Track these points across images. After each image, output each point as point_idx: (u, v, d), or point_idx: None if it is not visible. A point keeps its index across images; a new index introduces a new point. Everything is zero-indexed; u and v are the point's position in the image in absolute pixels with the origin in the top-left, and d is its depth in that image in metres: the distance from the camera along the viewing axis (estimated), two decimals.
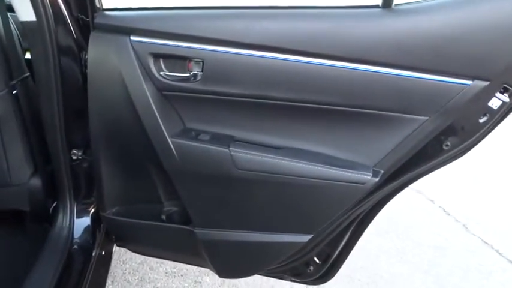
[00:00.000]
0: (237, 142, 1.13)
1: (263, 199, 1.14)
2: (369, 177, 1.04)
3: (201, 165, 1.12)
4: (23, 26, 1.27)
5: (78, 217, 1.45)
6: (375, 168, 1.07)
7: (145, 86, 1.10)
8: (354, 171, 1.05)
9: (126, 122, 1.16)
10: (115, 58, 1.10)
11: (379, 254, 2.36)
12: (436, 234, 2.62)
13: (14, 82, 1.33)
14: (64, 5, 1.22)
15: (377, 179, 1.05)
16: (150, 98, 1.10)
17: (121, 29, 1.10)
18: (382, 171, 1.06)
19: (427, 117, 0.99)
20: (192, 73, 1.09)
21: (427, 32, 0.94)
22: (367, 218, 1.19)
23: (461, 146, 1.03)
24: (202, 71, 1.07)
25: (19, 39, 1.40)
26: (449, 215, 2.87)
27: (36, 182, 1.49)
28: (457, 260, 2.37)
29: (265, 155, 1.08)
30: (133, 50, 1.09)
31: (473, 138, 1.02)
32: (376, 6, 0.98)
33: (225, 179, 1.11)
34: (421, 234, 2.60)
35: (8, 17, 1.27)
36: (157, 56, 1.10)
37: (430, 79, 0.95)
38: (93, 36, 1.13)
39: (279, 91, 1.05)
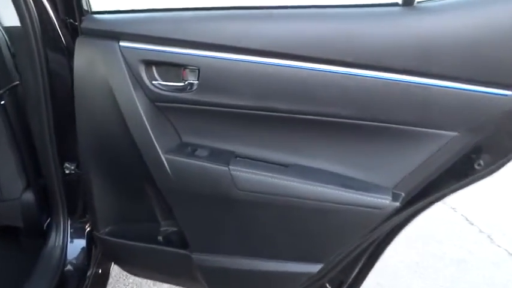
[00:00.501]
0: (238, 159, 1.01)
1: (267, 223, 1.02)
2: (388, 202, 0.91)
3: (197, 184, 1.00)
4: (7, 31, 1.19)
5: (72, 235, 1.35)
6: (394, 191, 0.93)
7: (135, 96, 0.99)
8: (371, 194, 0.92)
9: (115, 135, 1.05)
10: (102, 65, 1.00)
11: (397, 270, 2.21)
12: (458, 246, 2.45)
13: (1, 92, 1.24)
14: (51, 9, 1.12)
15: (397, 204, 0.91)
16: (140, 110, 0.99)
17: (109, 34, 0.99)
18: (403, 194, 0.93)
19: (455, 133, 0.85)
20: (187, 82, 0.97)
21: (457, 34, 0.80)
22: (383, 243, 1.06)
23: (496, 165, 0.89)
24: (198, 80, 0.95)
25: (8, 45, 1.31)
26: (472, 224, 2.69)
27: (29, 197, 1.40)
28: (482, 275, 2.20)
29: (269, 174, 0.95)
30: (123, 56, 0.98)
31: (510, 155, 0.88)
32: (395, 5, 0.85)
33: (224, 200, 0.99)
34: (442, 246, 2.44)
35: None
36: (148, 63, 0.98)
37: (460, 89, 0.82)
38: (80, 42, 1.02)
39: (285, 102, 0.92)
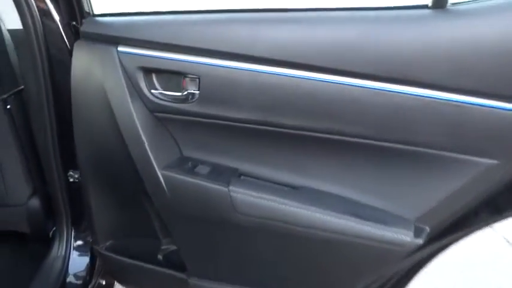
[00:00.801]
0: (241, 178, 0.91)
1: (270, 253, 0.91)
2: (409, 239, 0.77)
3: (195, 204, 0.91)
4: (10, 34, 1.15)
5: (76, 245, 1.30)
6: (417, 224, 0.80)
7: (132, 105, 0.91)
8: (389, 228, 0.78)
9: (112, 146, 0.97)
10: (100, 71, 0.93)
11: None
12: (498, 271, 2.23)
13: (5, 96, 1.20)
14: (55, 11, 1.06)
15: (420, 241, 0.78)
16: (137, 120, 0.91)
17: (107, 38, 0.92)
18: (428, 229, 0.79)
19: (495, 161, 0.71)
20: (187, 92, 0.88)
21: (498, 42, 0.66)
22: (403, 280, 0.92)
23: None
24: (199, 90, 0.86)
25: (13, 48, 1.27)
26: None
27: (35, 203, 1.36)
28: None
29: (274, 197, 0.84)
30: (120, 62, 0.90)
31: None
32: (425, 7, 0.72)
33: (223, 223, 0.89)
34: (479, 273, 2.22)
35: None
36: (147, 71, 0.90)
37: (501, 108, 0.68)
38: (78, 46, 0.96)
39: (294, 117, 0.81)
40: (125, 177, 1.02)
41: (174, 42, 0.85)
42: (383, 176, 0.82)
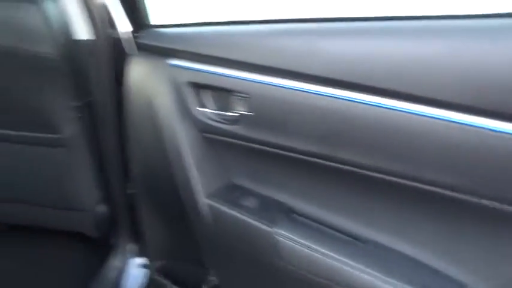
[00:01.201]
0: (291, 216, 0.76)
1: None
2: None
3: (238, 239, 0.79)
4: (77, 45, 1.16)
5: (131, 258, 1.27)
6: None
7: (180, 123, 0.83)
8: None
9: (160, 164, 0.91)
10: (150, 85, 0.87)
11: None
12: None
13: (79, 104, 1.22)
14: (119, 22, 1.04)
15: None
16: (184, 140, 0.83)
17: (159, 50, 0.86)
18: None
19: None
20: (237, 112, 0.77)
21: None
22: None
23: None
24: (250, 111, 0.75)
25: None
26: None
27: (102, 210, 1.37)
28: None
29: (324, 250, 0.68)
30: (170, 76, 0.83)
31: None
32: None
33: (265, 264, 0.76)
34: None
35: (73, 34, 1.16)
36: (197, 86, 0.81)
37: None
38: (131, 58, 0.91)
39: (358, 152, 0.65)
40: (172, 198, 0.94)
41: (224, 55, 0.75)
42: (458, 237, 0.61)
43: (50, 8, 1.07)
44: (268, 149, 0.75)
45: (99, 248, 1.42)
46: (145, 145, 0.92)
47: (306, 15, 0.70)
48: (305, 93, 0.67)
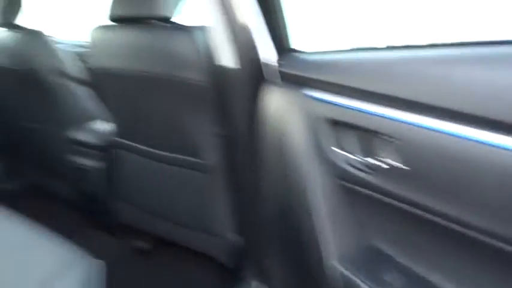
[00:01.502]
0: None
1: None
2: None
3: None
4: (223, 72, 1.13)
5: None
6: None
7: (313, 165, 0.70)
8: None
9: (290, 209, 0.79)
10: (285, 118, 0.76)
11: None
12: None
13: (222, 131, 1.21)
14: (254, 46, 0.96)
15: None
16: (317, 186, 0.69)
17: (298, 79, 0.74)
18: None
19: None
20: (383, 161, 0.60)
21: None
22: None
23: None
24: (399, 160, 0.57)
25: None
26: None
27: (235, 238, 1.34)
28: None
29: None
30: (307, 109, 0.71)
31: None
32: None
33: None
34: None
35: (219, 61, 1.15)
36: (336, 124, 0.67)
37: None
38: (270, 86, 0.83)
39: None
40: (298, 250, 0.81)
41: (369, 88, 0.59)
42: None
43: (200, 36, 1.08)
44: (419, 212, 0.56)
45: (229, 275, 1.38)
46: (276, 183, 0.82)
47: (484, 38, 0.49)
48: (469, 141, 0.47)
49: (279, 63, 0.85)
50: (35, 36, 1.51)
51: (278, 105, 0.80)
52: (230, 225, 1.30)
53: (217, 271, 1.43)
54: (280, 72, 0.82)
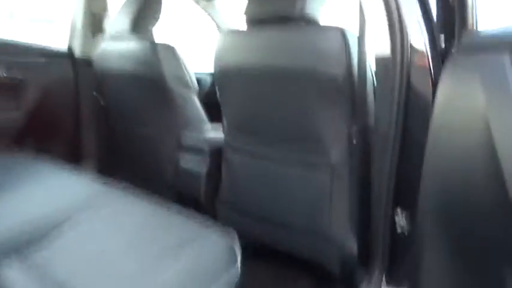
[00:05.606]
0: None
1: None
2: None
3: None
4: (365, 65, 1.11)
5: None
6: None
7: None
8: None
9: (478, 193, 0.72)
10: (479, 91, 0.71)
11: None
12: None
13: (354, 129, 1.17)
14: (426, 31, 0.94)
15: None
16: None
17: (497, 46, 0.71)
18: None
19: None
20: None
21: None
22: None
23: None
24: None
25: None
26: None
27: (352, 246, 1.25)
28: None
29: None
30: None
31: None
32: None
33: None
34: None
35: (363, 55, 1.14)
36: None
37: None
38: (451, 61, 0.79)
39: None
40: (487, 239, 0.73)
41: None
42: None
43: (346, 34, 1.09)
44: None
45: (336, 284, 1.29)
46: (455, 162, 0.76)
47: None
48: None
49: (463, 38, 0.82)
50: (163, 46, 1.61)
51: (460, 81, 0.76)
52: (347, 232, 1.23)
53: (324, 279, 1.34)
54: (465, 47, 0.79)
